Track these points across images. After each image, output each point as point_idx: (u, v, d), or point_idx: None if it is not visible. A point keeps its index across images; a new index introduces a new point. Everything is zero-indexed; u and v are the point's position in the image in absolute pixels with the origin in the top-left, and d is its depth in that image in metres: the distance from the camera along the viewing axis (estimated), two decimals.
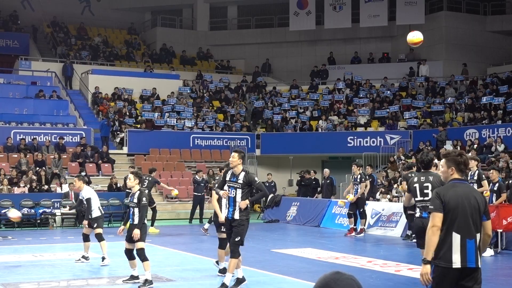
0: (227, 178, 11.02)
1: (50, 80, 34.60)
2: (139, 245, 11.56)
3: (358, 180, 20.65)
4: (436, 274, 6.27)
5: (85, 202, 14.39)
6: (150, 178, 21.84)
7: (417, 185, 10.49)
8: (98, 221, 14.34)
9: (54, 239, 19.97)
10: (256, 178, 11.08)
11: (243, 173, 10.90)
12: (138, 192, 11.76)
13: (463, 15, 38.21)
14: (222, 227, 11.95)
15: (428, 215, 6.41)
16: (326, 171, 25.93)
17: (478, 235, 6.34)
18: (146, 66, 37.56)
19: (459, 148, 27.20)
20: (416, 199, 10.55)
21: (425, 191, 10.31)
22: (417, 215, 10.59)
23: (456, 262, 6.21)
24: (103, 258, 13.96)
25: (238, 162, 10.84)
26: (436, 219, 6.25)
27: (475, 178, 15.20)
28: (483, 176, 15.46)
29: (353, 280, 3.34)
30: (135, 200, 11.71)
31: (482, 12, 38.77)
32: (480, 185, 14.97)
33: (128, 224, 12.01)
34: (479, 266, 6.31)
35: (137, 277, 11.91)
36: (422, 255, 6.52)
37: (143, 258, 11.51)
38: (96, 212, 14.33)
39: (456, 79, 33.96)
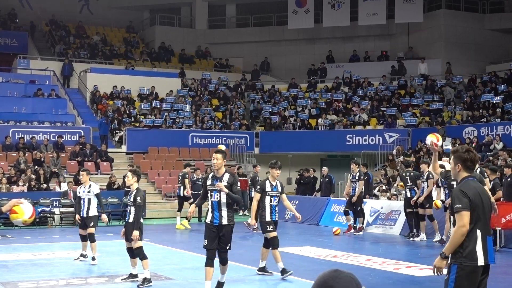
0: (208, 183, 10.29)
1: (48, 79, 34.58)
2: (137, 243, 11.56)
3: (357, 178, 20.66)
4: (461, 273, 6.19)
5: (92, 197, 14.02)
6: (182, 174, 22.20)
7: None
8: (94, 220, 14.12)
9: (53, 238, 19.96)
10: (238, 183, 10.44)
11: (227, 174, 10.30)
12: (135, 190, 11.75)
13: (461, 13, 38.20)
14: (269, 226, 11.98)
15: (457, 213, 6.23)
16: (325, 169, 25.94)
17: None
18: (127, 63, 37.29)
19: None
20: None
21: None
22: None
23: (481, 260, 6.21)
24: (93, 258, 13.87)
25: (223, 164, 10.33)
26: (466, 219, 6.18)
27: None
28: (485, 174, 15.61)
29: (352, 278, 3.33)
30: (132, 199, 11.69)
31: (481, 10, 38.77)
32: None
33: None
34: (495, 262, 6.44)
35: (136, 276, 11.90)
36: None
37: (142, 257, 11.51)
38: (93, 211, 14.09)
39: (455, 80, 33.93)
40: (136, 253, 11.60)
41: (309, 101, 35.00)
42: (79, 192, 14.33)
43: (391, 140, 30.69)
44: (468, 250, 6.20)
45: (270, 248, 12.22)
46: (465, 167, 6.46)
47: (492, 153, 25.29)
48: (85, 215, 14.04)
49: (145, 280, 11.42)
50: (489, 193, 6.73)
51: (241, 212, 28.88)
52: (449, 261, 6.34)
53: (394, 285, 11.68)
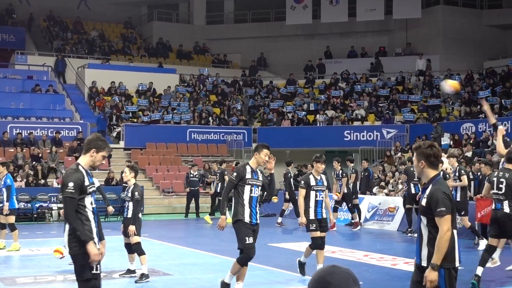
0: (248, 176, 9.81)
1: (46, 75, 34.54)
2: (135, 239, 11.56)
3: (340, 175, 20.66)
4: (449, 277, 6.06)
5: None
6: (220, 171, 22.45)
7: (495, 179, 11.06)
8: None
9: (51, 234, 19.94)
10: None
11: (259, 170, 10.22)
12: (133, 186, 11.74)
13: (459, 9, 38.18)
14: (312, 225, 11.51)
15: (441, 217, 6.02)
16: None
17: None
18: (103, 59, 36.82)
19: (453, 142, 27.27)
20: (492, 191, 11.10)
21: (500, 185, 10.90)
22: (492, 207, 11.23)
23: (457, 261, 6.14)
24: None
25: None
26: (449, 221, 6.04)
27: (457, 174, 15.65)
28: (463, 171, 15.70)
29: (349, 274, 3.34)
30: (129, 194, 11.69)
31: (479, 6, 38.75)
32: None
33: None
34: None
35: (133, 271, 11.91)
36: (486, 243, 6.39)
37: (140, 252, 11.52)
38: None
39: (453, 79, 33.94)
40: (134, 249, 11.61)
41: (305, 99, 35.03)
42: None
43: (389, 136, 30.70)
44: (451, 253, 6.08)
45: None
46: (429, 163, 6.23)
47: (489, 149, 25.28)
48: None
49: (143, 276, 11.43)
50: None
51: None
52: (424, 264, 6.15)
53: (392, 280, 11.70)
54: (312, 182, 11.56)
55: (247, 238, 9.73)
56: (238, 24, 42.60)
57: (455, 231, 6.12)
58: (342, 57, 39.37)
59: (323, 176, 11.88)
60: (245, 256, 9.82)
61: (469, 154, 24.14)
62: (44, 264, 13.64)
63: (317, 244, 11.57)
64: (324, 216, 11.76)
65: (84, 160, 7.04)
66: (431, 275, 5.97)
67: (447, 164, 15.82)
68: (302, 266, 11.77)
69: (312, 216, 11.52)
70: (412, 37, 38.74)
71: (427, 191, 6.18)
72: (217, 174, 25.90)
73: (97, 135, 7.36)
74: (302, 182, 11.63)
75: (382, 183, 24.29)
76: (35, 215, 23.37)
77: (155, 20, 42.34)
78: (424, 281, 6.02)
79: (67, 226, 6.96)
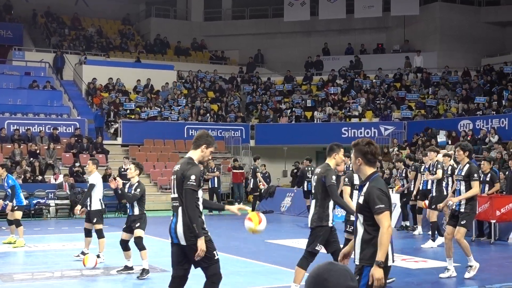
0: (356, 182, 9.97)
1: (44, 71, 34.50)
2: (137, 233, 11.55)
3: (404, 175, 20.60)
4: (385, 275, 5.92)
5: (95, 188, 13.21)
6: (253, 167, 22.60)
7: None
8: (97, 215, 13.26)
9: (48, 230, 19.97)
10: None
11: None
12: (137, 183, 11.71)
13: (457, 6, 38.20)
14: (350, 227, 10.60)
15: (380, 214, 5.87)
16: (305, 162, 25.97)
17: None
18: (82, 55, 36.25)
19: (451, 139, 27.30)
20: None
21: None
22: None
23: (390, 260, 6.02)
24: (98, 256, 13.15)
25: None
26: (389, 217, 5.91)
27: (435, 168, 15.69)
28: (439, 165, 15.60)
29: (347, 271, 3.35)
30: (133, 192, 11.66)
31: (477, 3, 38.76)
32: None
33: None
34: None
35: (131, 268, 11.91)
36: None
37: (141, 247, 11.51)
38: (96, 205, 13.25)
39: (451, 80, 33.94)
40: (135, 243, 11.58)
41: (303, 96, 35.07)
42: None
43: (387, 133, 30.72)
44: (376, 250, 5.89)
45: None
46: (366, 161, 6.11)
47: (487, 146, 25.34)
48: (88, 209, 13.29)
49: (144, 271, 11.43)
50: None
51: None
52: (357, 262, 6.03)
53: (389, 277, 11.70)
54: (356, 181, 10.72)
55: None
56: (236, 21, 42.58)
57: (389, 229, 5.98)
58: (340, 54, 39.36)
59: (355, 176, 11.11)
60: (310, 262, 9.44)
61: (456, 152, 24.13)
62: (42, 260, 13.64)
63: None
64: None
65: (196, 155, 7.49)
66: (377, 273, 5.80)
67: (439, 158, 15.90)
68: None
69: (352, 217, 10.46)
70: (410, 34, 38.76)
71: (364, 189, 6.08)
72: (213, 170, 25.97)
73: (205, 132, 7.81)
74: (346, 179, 10.81)
75: None
76: (33, 212, 23.36)
77: (153, 16, 42.30)
78: (370, 279, 5.84)
79: (180, 217, 7.22)
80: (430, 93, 33.02)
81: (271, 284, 11.20)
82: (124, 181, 12.21)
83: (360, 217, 6.08)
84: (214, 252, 7.35)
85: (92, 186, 13.21)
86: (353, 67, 37.28)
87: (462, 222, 11.05)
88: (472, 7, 38.53)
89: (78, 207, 13.47)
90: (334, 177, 9.21)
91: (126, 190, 11.78)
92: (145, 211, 11.81)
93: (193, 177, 7.11)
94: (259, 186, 23.73)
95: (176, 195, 7.36)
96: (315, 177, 9.30)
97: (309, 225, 9.39)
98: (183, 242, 7.24)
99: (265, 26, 41.68)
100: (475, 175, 11.20)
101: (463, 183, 11.31)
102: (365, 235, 6.01)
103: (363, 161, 6.13)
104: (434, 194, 15.40)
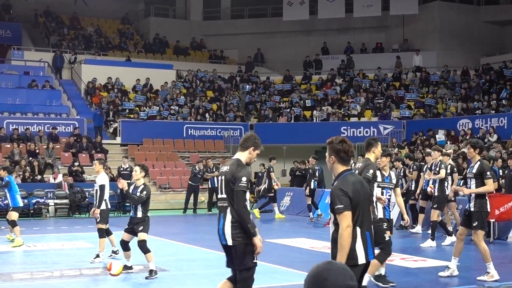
0: (379, 180, 10.01)
1: (43, 70, 34.49)
2: (141, 236, 11.53)
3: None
4: None
5: (97, 189, 13.24)
6: (267, 167, 22.76)
7: None
8: (102, 215, 13.23)
9: (48, 229, 19.96)
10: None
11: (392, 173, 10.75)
12: (143, 185, 11.68)
13: (456, 5, 38.20)
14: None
15: (339, 214, 5.89)
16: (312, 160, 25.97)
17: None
18: (72, 54, 36.36)
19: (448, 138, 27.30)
20: None
21: None
22: None
23: (361, 259, 5.99)
24: (97, 255, 13.26)
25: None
26: (349, 218, 5.88)
27: (438, 168, 15.61)
28: (443, 165, 15.61)
29: (346, 270, 3.34)
30: (138, 194, 11.63)
31: (476, 2, 38.76)
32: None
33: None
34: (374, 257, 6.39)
35: (130, 267, 11.89)
36: None
37: (145, 250, 11.47)
38: (102, 205, 13.27)
39: (451, 80, 33.96)
40: (139, 246, 11.56)
41: (302, 95, 35.07)
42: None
43: (386, 132, 30.72)
44: (350, 249, 5.93)
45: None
46: (339, 159, 6.12)
47: (486, 145, 25.32)
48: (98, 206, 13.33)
49: (152, 272, 11.44)
50: (368, 187, 6.60)
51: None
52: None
53: (389, 276, 11.71)
54: (379, 178, 10.57)
55: (385, 235, 9.88)
56: (235, 20, 42.58)
57: (358, 229, 5.97)
58: (339, 53, 39.37)
59: (392, 173, 11.17)
60: (387, 253, 10.05)
61: (465, 150, 24.14)
62: (41, 260, 13.64)
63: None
64: (391, 217, 10.94)
65: (243, 157, 7.62)
66: None
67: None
68: (383, 279, 10.66)
69: (381, 215, 10.40)
70: (409, 33, 38.76)
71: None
72: (213, 170, 25.95)
73: (253, 134, 7.95)
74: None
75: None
76: (32, 211, 23.36)
77: (152, 16, 42.30)
78: None
79: (228, 217, 7.36)
80: (429, 92, 33.03)
81: (270, 284, 11.20)
82: (127, 181, 12.25)
83: (331, 216, 6.12)
84: (254, 255, 7.54)
85: (103, 187, 13.25)
86: (345, 67, 37.36)
87: (474, 224, 10.97)
88: (471, 6, 38.53)
89: (97, 210, 13.27)
90: (372, 171, 9.65)
91: (130, 191, 11.72)
92: (148, 214, 11.78)
93: (244, 179, 7.28)
94: (273, 187, 23.69)
95: (224, 196, 7.47)
96: (356, 172, 9.41)
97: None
98: (230, 243, 7.41)
99: (264, 25, 41.67)
100: (488, 172, 11.07)
101: (473, 180, 11.14)
102: (334, 233, 6.05)
103: (336, 159, 6.15)
104: (436, 194, 15.41)
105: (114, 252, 13.57)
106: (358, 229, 5.97)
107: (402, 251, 14.73)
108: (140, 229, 11.57)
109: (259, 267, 12.62)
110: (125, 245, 11.84)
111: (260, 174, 28.46)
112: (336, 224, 6.00)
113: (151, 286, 10.96)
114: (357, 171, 9.43)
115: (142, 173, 11.74)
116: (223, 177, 7.50)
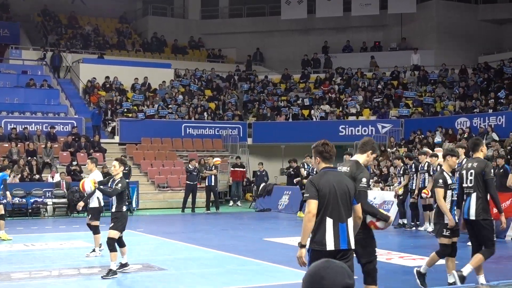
0: (449, 181, 10.00)
1: (41, 69, 34.45)
2: (110, 233, 11.52)
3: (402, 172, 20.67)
4: (313, 257, 6.64)
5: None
6: (296, 165, 22.68)
7: None
8: (94, 212, 13.61)
9: (46, 229, 19.95)
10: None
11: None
12: (119, 179, 11.74)
13: (454, 4, 38.20)
14: (446, 229, 10.02)
15: (305, 201, 6.79)
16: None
17: (350, 219, 6.86)
18: (56, 52, 36.24)
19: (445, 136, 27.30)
20: None
21: None
22: None
23: (330, 245, 6.67)
24: (94, 250, 13.72)
25: None
26: (312, 206, 6.66)
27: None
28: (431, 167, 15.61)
29: (344, 268, 3.34)
30: (114, 186, 11.70)
31: (474, 1, 38.77)
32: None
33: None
34: (352, 247, 6.86)
35: (125, 265, 11.86)
36: None
37: (112, 248, 11.43)
38: (94, 202, 13.59)
39: (449, 79, 33.95)
40: (107, 243, 11.54)
41: (300, 94, 35.10)
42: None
43: (384, 130, 30.73)
44: (317, 236, 6.71)
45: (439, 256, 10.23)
46: (322, 159, 6.94)
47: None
48: (90, 205, 13.74)
49: (110, 272, 11.37)
50: (351, 181, 7.13)
51: (231, 203, 28.94)
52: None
53: (387, 275, 11.71)
54: (449, 181, 10.15)
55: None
56: (233, 19, 42.56)
57: (329, 219, 6.69)
58: (337, 52, 39.39)
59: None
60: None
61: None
62: (39, 259, 13.63)
63: (447, 252, 10.17)
64: (457, 218, 10.44)
65: (362, 159, 7.99)
66: (298, 253, 6.81)
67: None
68: (422, 277, 10.25)
69: (447, 220, 10.00)
70: (407, 32, 38.76)
71: None
72: (211, 168, 25.96)
73: (371, 139, 8.27)
74: (440, 180, 10.11)
75: (377, 178, 24.32)
76: (30, 210, 23.35)
77: (150, 14, 42.27)
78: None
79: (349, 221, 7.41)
80: (427, 91, 33.05)
81: (269, 282, 11.21)
82: (125, 180, 12.37)
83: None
84: (376, 249, 8.12)
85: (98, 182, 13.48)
86: (325, 66, 37.78)
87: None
88: (469, 5, 38.54)
89: (81, 203, 13.85)
90: (492, 170, 10.12)
91: (109, 185, 11.96)
92: (123, 209, 11.73)
93: (364, 179, 7.69)
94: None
95: None
96: (471, 171, 9.85)
97: (472, 217, 9.80)
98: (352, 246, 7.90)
99: (263, 24, 41.65)
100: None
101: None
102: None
103: (321, 159, 6.96)
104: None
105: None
106: (328, 219, 6.71)
107: (400, 249, 14.74)
108: (110, 225, 11.58)
109: (258, 266, 12.67)
110: (119, 243, 11.85)
111: (259, 173, 28.47)
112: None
113: (147, 285, 10.95)
114: (472, 170, 9.85)
115: (121, 167, 11.86)
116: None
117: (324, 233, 6.69)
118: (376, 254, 8.15)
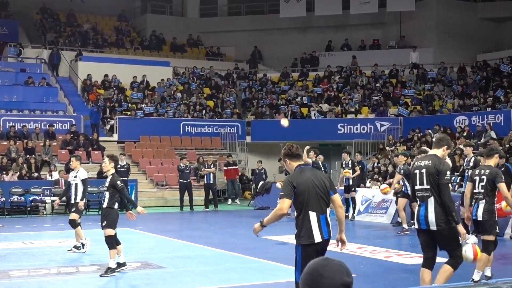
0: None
1: (39, 67, 34.42)
2: (105, 232, 11.52)
3: (350, 165, 20.75)
4: (303, 252, 6.96)
5: (80, 183, 13.90)
6: (316, 160, 22.45)
7: None
8: (77, 206, 14.00)
9: (44, 227, 19.94)
10: None
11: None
12: (111, 176, 11.75)
13: (454, 2, 38.18)
14: (496, 225, 10.33)
15: (280, 198, 7.13)
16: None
17: (328, 210, 7.15)
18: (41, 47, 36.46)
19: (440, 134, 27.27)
20: None
21: None
22: None
23: (317, 237, 6.98)
24: (83, 245, 13.89)
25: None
26: (285, 204, 7.00)
27: (471, 164, 15.05)
28: (480, 163, 15.31)
29: (342, 266, 3.35)
30: (107, 184, 11.72)
31: None
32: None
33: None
34: (330, 236, 7.19)
35: (123, 264, 11.81)
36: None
37: (110, 246, 11.43)
38: (79, 198, 13.95)
39: (448, 78, 33.95)
40: (105, 241, 11.54)
41: (299, 92, 35.08)
42: (70, 177, 14.33)
43: (383, 129, 30.74)
44: (303, 230, 6.99)
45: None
46: (291, 158, 7.26)
47: (482, 142, 25.33)
48: (73, 201, 14.13)
49: (109, 269, 11.36)
50: (325, 175, 7.62)
51: (229, 201, 28.95)
52: (295, 243, 7.10)
53: (385, 273, 11.73)
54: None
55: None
56: (232, 17, 42.53)
57: (312, 212, 6.99)
58: (336, 50, 39.39)
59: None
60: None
61: (462, 146, 24.19)
62: (38, 257, 13.63)
63: (493, 248, 10.47)
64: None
65: (438, 153, 8.59)
66: (256, 226, 7.33)
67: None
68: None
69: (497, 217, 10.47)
70: (406, 30, 38.76)
71: None
72: (210, 166, 25.96)
73: (445, 135, 8.94)
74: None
75: (378, 176, 24.32)
76: (29, 208, 23.35)
77: (148, 13, 42.24)
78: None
79: (431, 206, 8.32)
80: (426, 89, 33.05)
81: (267, 280, 11.21)
82: (124, 178, 12.43)
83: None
84: (459, 237, 8.42)
85: (86, 181, 14.05)
86: (308, 61, 38.03)
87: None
88: (468, 3, 38.51)
89: (81, 202, 14.05)
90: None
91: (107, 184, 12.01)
92: (114, 206, 11.67)
93: (448, 172, 8.34)
94: None
95: (426, 186, 8.42)
96: (484, 177, 10.28)
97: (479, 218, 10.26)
98: (433, 228, 8.33)
99: (261, 22, 41.63)
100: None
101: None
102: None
103: (290, 160, 7.28)
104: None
105: (77, 247, 14.03)
106: (311, 213, 7.00)
107: (398, 247, 14.75)
108: (103, 224, 11.58)
109: (256, 264, 12.68)
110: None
111: (257, 171, 28.47)
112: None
113: (146, 283, 10.95)
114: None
115: (111, 164, 11.86)
116: (424, 170, 8.44)
117: (310, 227, 6.98)
118: (461, 243, 8.52)
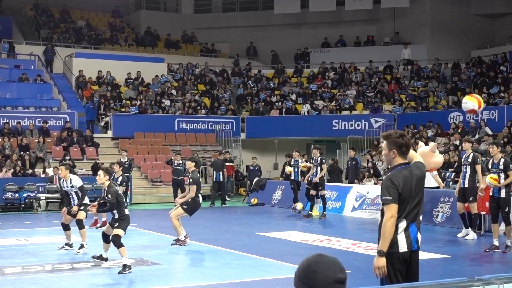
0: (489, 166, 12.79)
1: (33, 64, 34.34)
2: (116, 231, 11.55)
3: (318, 162, 20.65)
4: (390, 262, 6.06)
5: (78, 191, 13.89)
6: (320, 157, 22.27)
7: None
8: (85, 207, 14.01)
9: (39, 224, 19.90)
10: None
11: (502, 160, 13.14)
12: (107, 188, 11.81)
13: None
14: None
15: (385, 205, 6.04)
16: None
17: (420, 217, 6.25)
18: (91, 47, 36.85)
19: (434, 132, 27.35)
20: None
21: None
22: None
23: (403, 247, 6.07)
24: (82, 246, 13.76)
25: None
26: (394, 210, 5.99)
27: (469, 160, 14.96)
28: (478, 159, 15.18)
29: (336, 262, 3.35)
30: (108, 197, 11.72)
31: None
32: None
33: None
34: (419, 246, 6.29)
35: (105, 259, 12.01)
36: None
37: (118, 245, 11.45)
38: (86, 199, 14.05)
39: (445, 74, 34.01)
40: (112, 240, 11.55)
41: (293, 88, 35.08)
42: (64, 186, 14.16)
43: (377, 125, 30.77)
44: (392, 238, 6.03)
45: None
46: (400, 153, 6.16)
47: (476, 138, 25.40)
48: (83, 204, 14.04)
49: (126, 267, 11.38)
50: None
51: (227, 198, 28.92)
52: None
53: None
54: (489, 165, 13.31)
55: None
56: (227, 13, 42.51)
57: (405, 220, 6.06)
58: (330, 46, 39.41)
59: (502, 160, 13.19)
60: None
61: (456, 142, 24.28)
62: (32, 254, 13.61)
63: None
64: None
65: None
66: (377, 262, 5.99)
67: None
68: None
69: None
70: (400, 26, 38.79)
71: None
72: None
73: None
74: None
75: (369, 172, 24.35)
76: (23, 205, 23.31)
77: (143, 9, 42.17)
78: (373, 268, 6.03)
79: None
80: (420, 85, 33.08)
81: (262, 277, 11.21)
82: (127, 174, 12.47)
83: (380, 205, 6.22)
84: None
85: (83, 187, 14.07)
86: (301, 57, 38.22)
87: (506, 209, 13.26)
88: None
89: (75, 207, 13.92)
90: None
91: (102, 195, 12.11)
92: (126, 212, 11.78)
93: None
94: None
95: None
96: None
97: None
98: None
99: (256, 18, 41.62)
100: (511, 165, 13.10)
101: (502, 175, 13.19)
102: (380, 222, 6.14)
103: (398, 153, 6.17)
104: (466, 186, 15.01)
105: (69, 245, 14.06)
106: (404, 221, 6.05)
107: None
108: (115, 225, 11.68)
109: (251, 260, 12.68)
110: (105, 237, 11.93)
111: (252, 168, 28.46)
112: (382, 213, 6.09)
113: (143, 280, 10.94)
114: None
115: (106, 177, 11.93)
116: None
117: (396, 235, 6.08)
118: None
